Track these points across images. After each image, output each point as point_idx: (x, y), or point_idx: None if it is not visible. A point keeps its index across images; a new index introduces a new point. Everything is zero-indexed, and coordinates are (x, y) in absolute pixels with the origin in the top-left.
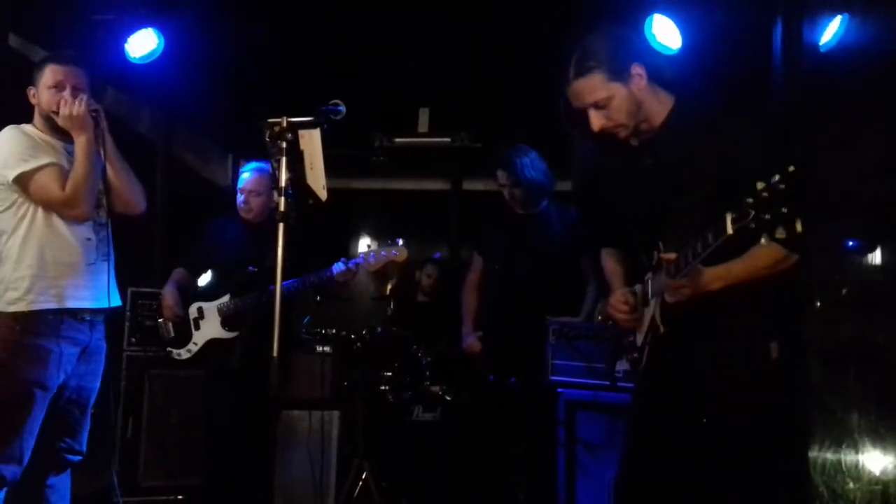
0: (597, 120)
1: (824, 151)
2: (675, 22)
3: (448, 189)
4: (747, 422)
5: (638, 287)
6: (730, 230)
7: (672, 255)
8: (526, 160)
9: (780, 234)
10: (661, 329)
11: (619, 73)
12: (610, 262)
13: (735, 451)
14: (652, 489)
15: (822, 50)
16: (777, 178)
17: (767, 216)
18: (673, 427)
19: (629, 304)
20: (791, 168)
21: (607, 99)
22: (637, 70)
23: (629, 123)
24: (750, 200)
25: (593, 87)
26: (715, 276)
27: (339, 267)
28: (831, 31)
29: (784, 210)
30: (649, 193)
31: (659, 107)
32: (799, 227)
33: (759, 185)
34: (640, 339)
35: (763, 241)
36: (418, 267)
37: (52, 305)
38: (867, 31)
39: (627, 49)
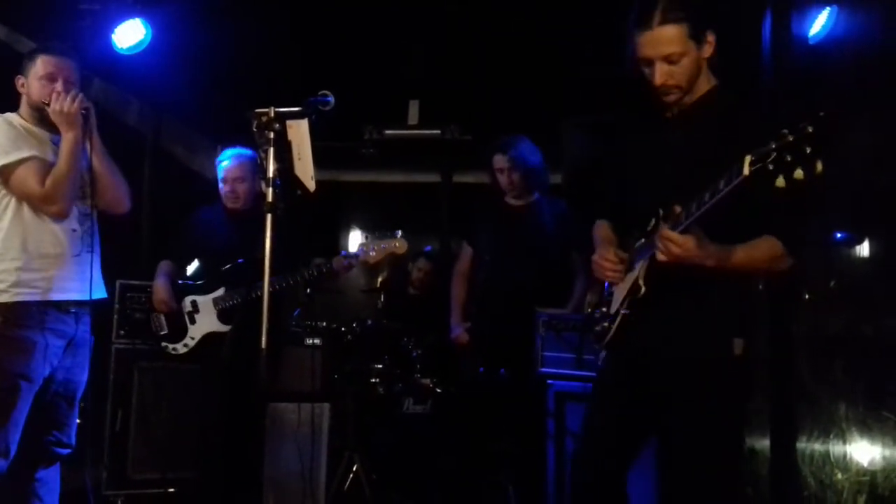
0: (662, 74)
1: None
2: None
3: (438, 181)
4: (705, 407)
5: (626, 256)
6: (746, 171)
7: (678, 209)
8: (525, 145)
9: (799, 174)
10: (642, 290)
11: (697, 34)
12: (603, 230)
13: (691, 434)
14: (611, 468)
15: (810, 42)
16: (805, 122)
17: (789, 157)
18: (635, 407)
19: (618, 257)
20: (822, 113)
21: (681, 55)
22: (710, 38)
23: (686, 88)
24: (773, 145)
25: (674, 38)
26: (713, 252)
27: (338, 262)
28: (820, 23)
29: (808, 150)
30: (670, 166)
31: (704, 83)
32: (819, 167)
33: (786, 131)
34: (615, 306)
35: (778, 182)
36: (410, 259)
37: (37, 297)
38: (855, 23)
39: (710, 14)
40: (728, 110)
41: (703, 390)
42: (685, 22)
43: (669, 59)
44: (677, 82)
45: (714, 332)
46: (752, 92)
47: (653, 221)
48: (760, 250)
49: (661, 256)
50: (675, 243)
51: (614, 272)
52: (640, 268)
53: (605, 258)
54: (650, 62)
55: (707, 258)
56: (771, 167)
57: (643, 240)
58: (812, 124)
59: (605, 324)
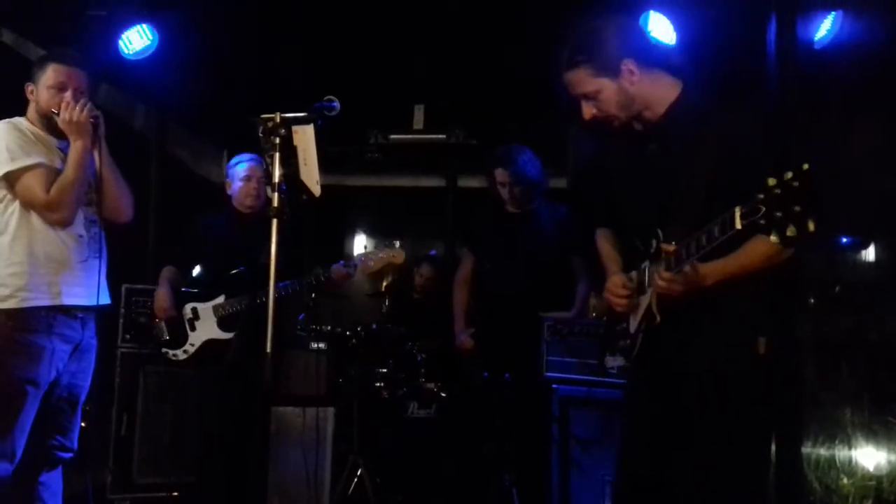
0: (587, 110)
1: (818, 147)
2: (670, 19)
3: (443, 186)
4: (732, 416)
5: (633, 274)
6: (738, 225)
7: (672, 247)
8: (526, 158)
9: (791, 231)
10: (657, 318)
11: (607, 68)
12: (606, 245)
13: (720, 444)
14: (649, 483)
15: (816, 47)
16: (790, 175)
17: (779, 214)
18: (665, 419)
19: (627, 289)
20: (806, 166)
21: (595, 92)
22: (628, 66)
23: (620, 115)
24: (761, 196)
25: (581, 80)
26: (709, 272)
27: (337, 268)
28: (825, 27)
29: (797, 209)
30: (652, 179)
31: (663, 93)
32: (812, 226)
33: (772, 182)
34: (633, 325)
35: (772, 238)
36: (414, 264)
37: (45, 303)
38: (860, 27)
39: (618, 44)
40: (699, 118)
41: (732, 401)
42: (586, 64)
43: (587, 97)
44: (607, 113)
45: (737, 339)
46: (720, 89)
47: (654, 243)
48: (754, 253)
49: (663, 294)
50: (676, 282)
51: (624, 304)
52: (651, 294)
53: (613, 292)
54: (578, 100)
55: (706, 279)
56: (762, 222)
57: (648, 262)
58: (797, 179)
59: (628, 341)
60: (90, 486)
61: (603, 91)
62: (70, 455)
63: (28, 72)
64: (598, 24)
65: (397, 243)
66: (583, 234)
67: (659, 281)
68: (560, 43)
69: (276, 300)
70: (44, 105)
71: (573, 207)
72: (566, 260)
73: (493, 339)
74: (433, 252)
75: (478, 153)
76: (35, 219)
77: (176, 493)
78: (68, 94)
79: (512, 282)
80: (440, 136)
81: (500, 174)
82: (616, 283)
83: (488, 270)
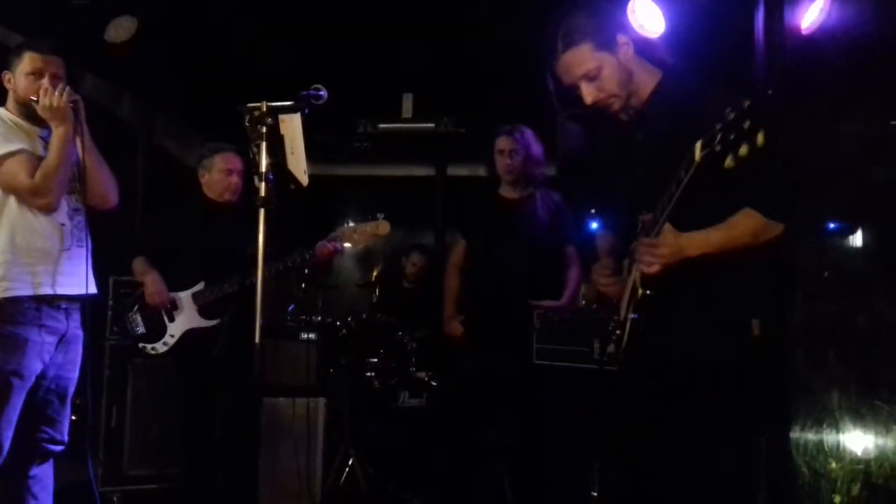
0: (589, 93)
1: (806, 135)
2: (659, 5)
3: (433, 175)
4: (728, 401)
5: (626, 262)
6: (697, 157)
7: (649, 216)
8: (531, 134)
9: (743, 151)
10: (640, 292)
11: (605, 43)
12: (603, 244)
13: (716, 430)
14: (643, 474)
15: (804, 33)
16: (742, 98)
17: (733, 136)
18: (658, 408)
19: (609, 268)
20: (769, 92)
21: (597, 69)
22: (623, 39)
23: (621, 93)
24: (719, 126)
25: (582, 58)
26: (691, 241)
27: (322, 245)
28: (813, 13)
29: (747, 125)
30: (641, 169)
31: (648, 79)
32: (760, 139)
33: (728, 111)
34: (623, 312)
35: (728, 162)
36: (404, 253)
37: (28, 292)
38: (849, 14)
39: (612, 20)
40: (679, 102)
41: (725, 389)
42: (585, 41)
43: (589, 77)
44: (609, 93)
45: (731, 326)
46: (699, 74)
47: (640, 225)
48: (739, 224)
49: (647, 269)
50: (654, 246)
51: (608, 284)
52: (635, 270)
53: (597, 271)
54: (576, 86)
55: (689, 248)
56: (718, 148)
57: (636, 242)
58: (749, 100)
59: (619, 332)
60: (92, 475)
61: (604, 67)
62: (60, 448)
63: (7, 61)
64: (588, 4)
65: (381, 215)
66: (575, 222)
67: (639, 247)
68: (549, 31)
69: (264, 289)
70: (22, 93)
71: (563, 194)
72: (559, 248)
73: (485, 326)
74: (423, 242)
75: (467, 142)
76: (16, 207)
77: (166, 485)
78: (45, 81)
79: (504, 268)
80: (429, 124)
81: (503, 141)
82: (600, 263)
83: (482, 256)
